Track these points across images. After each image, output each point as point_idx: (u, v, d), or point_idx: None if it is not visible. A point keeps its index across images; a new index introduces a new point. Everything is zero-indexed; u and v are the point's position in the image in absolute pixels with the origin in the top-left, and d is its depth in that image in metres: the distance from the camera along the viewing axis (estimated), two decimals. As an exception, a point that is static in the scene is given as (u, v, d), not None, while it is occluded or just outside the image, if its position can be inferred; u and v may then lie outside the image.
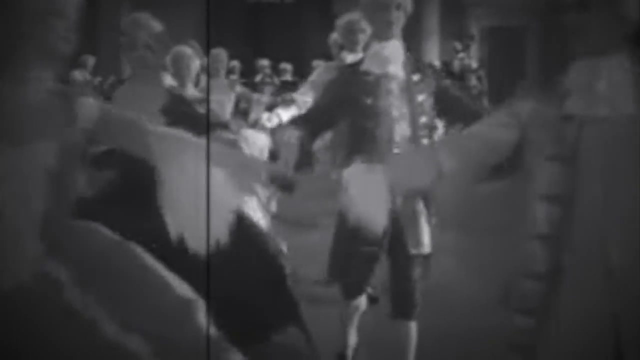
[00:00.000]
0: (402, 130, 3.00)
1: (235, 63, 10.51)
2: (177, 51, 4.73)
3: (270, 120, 4.39)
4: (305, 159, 3.04)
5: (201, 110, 3.99)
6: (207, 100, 4.26)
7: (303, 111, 4.68)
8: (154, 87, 3.13)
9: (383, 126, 2.99)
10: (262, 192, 5.54)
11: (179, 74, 4.70)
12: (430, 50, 13.63)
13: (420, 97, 3.04)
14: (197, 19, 13.65)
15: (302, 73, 11.01)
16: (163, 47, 3.17)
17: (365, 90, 3.00)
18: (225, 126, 3.24)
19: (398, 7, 3.00)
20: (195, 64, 4.81)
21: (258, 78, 10.70)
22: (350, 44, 4.55)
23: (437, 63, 12.23)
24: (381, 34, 3.05)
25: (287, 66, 11.18)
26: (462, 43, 12.21)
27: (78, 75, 10.75)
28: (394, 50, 3.04)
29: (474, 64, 11.87)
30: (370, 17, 3.11)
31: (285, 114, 4.43)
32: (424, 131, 3.05)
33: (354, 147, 3.08)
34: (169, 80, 5.11)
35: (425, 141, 3.04)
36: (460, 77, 11.31)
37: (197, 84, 5.25)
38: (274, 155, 2.91)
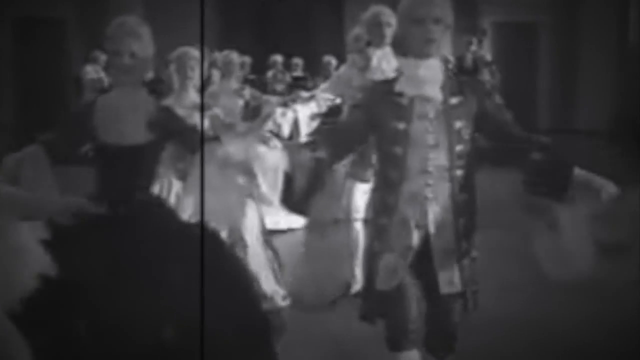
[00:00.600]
0: (438, 159, 2.69)
1: (247, 59, 10.52)
2: (182, 51, 4.44)
3: (285, 115, 4.17)
4: (319, 183, 2.82)
5: (200, 117, 3.69)
6: (200, 110, 4.01)
7: (323, 109, 4.41)
8: (139, 99, 2.88)
9: (415, 154, 2.69)
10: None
11: (182, 76, 4.41)
12: (443, 46, 13.53)
13: (458, 124, 2.70)
14: (206, 19, 13.63)
15: (312, 69, 11.01)
16: (150, 56, 2.88)
17: (397, 113, 2.70)
18: (217, 139, 2.99)
19: (437, 21, 2.68)
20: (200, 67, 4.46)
21: (270, 74, 10.68)
22: (376, 39, 4.33)
23: (451, 58, 12.16)
24: (418, 51, 2.71)
25: (298, 61, 11.16)
26: (475, 37, 12.15)
27: (90, 70, 10.76)
28: (431, 70, 2.72)
29: (488, 57, 11.80)
30: (405, 33, 2.76)
31: (304, 111, 4.24)
32: (460, 161, 2.72)
33: (381, 175, 2.82)
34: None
35: (460, 172, 2.73)
36: (473, 71, 11.25)
37: (204, 87, 5.03)
38: (289, 178, 2.80)
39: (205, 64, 4.73)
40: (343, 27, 12.63)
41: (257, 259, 4.28)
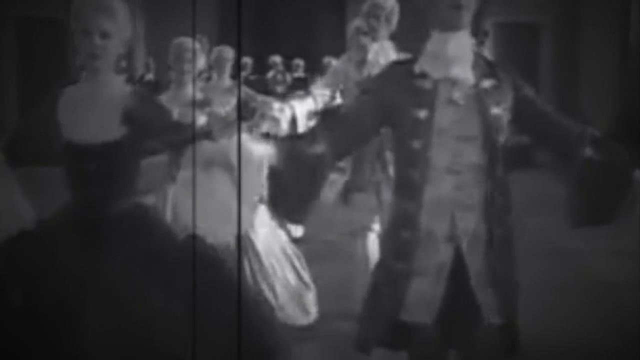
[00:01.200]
0: (470, 155, 2.18)
1: (247, 60, 10.51)
2: (179, 43, 4.01)
3: (283, 111, 3.83)
4: (317, 186, 2.25)
5: (201, 115, 3.35)
6: (192, 105, 3.67)
7: (320, 106, 4.09)
8: (112, 87, 2.42)
9: (440, 148, 2.18)
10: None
11: (179, 69, 3.99)
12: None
13: (496, 111, 2.21)
14: (208, 13, 13.61)
15: (313, 69, 11.02)
16: (127, 38, 2.43)
17: (418, 98, 2.19)
18: (209, 135, 2.59)
19: None
20: (200, 60, 4.14)
21: (270, 74, 10.69)
22: (371, 31, 4.08)
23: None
24: (445, 21, 2.20)
25: (299, 62, 11.15)
26: (476, 39, 12.16)
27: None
28: (461, 46, 2.23)
29: (490, 58, 11.81)
30: (430, 1, 2.25)
31: (300, 107, 3.93)
32: (497, 158, 2.21)
33: (399, 177, 2.30)
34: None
35: (498, 171, 2.21)
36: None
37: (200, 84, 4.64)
38: (275, 173, 2.22)
39: (203, 59, 4.32)
40: (344, 28, 12.61)
41: (274, 267, 3.95)
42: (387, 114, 2.25)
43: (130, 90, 2.46)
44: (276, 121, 3.71)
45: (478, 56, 2.27)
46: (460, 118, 2.19)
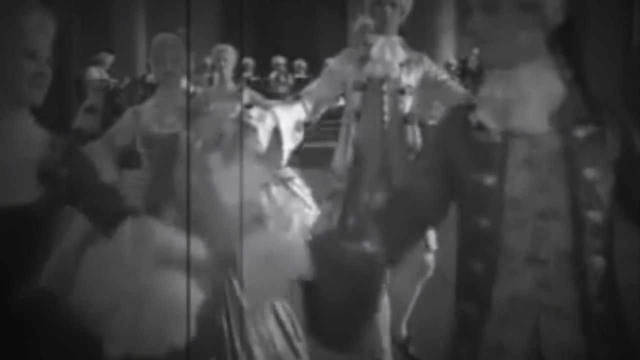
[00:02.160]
0: (555, 237, 1.52)
1: (249, 61, 10.55)
2: (160, 40, 3.33)
3: (262, 119, 3.09)
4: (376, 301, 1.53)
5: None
6: (187, 113, 3.13)
7: (313, 115, 3.47)
8: (26, 130, 1.79)
9: (516, 229, 1.53)
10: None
11: (161, 70, 3.29)
12: (446, 48, 13.57)
13: (590, 173, 1.52)
14: (207, 20, 13.64)
15: (316, 70, 11.06)
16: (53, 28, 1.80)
17: (482, 158, 1.56)
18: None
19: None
20: (185, 60, 3.27)
21: (272, 76, 10.71)
22: (380, 22, 3.46)
23: (453, 61, 12.17)
24: (498, 55, 1.57)
25: (301, 63, 11.19)
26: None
27: (94, 72, 10.75)
28: (534, 81, 1.56)
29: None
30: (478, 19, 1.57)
31: (286, 116, 3.22)
32: (596, 241, 1.55)
33: (461, 264, 1.63)
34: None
35: (598, 261, 1.56)
36: (477, 75, 11.27)
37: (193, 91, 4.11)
38: (310, 288, 1.48)
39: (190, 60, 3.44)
40: (346, 29, 12.66)
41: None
42: (453, 182, 1.60)
43: (49, 138, 1.81)
44: (254, 131, 3.01)
45: (569, 91, 1.60)
46: (541, 185, 1.54)
